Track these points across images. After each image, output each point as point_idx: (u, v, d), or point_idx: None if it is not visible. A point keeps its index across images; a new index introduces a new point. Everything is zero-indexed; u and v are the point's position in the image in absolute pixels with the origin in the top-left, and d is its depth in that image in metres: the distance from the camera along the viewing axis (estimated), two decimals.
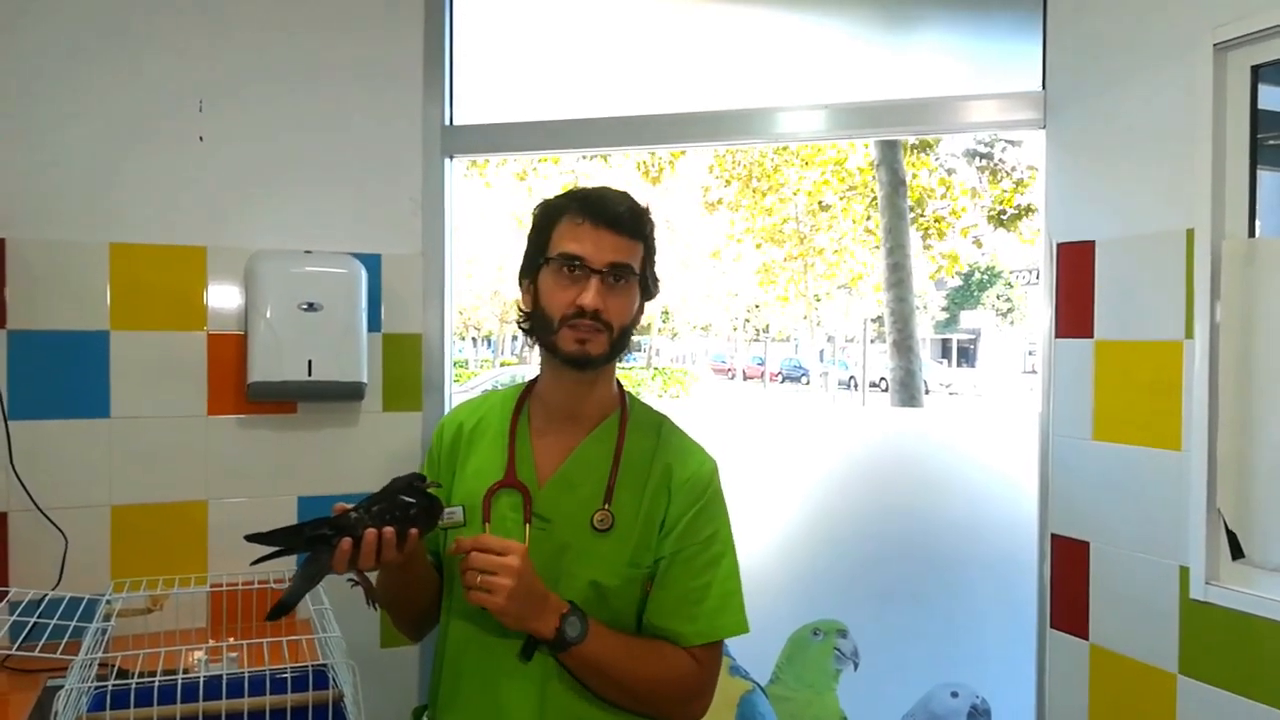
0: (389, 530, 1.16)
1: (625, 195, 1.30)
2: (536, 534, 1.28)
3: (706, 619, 1.28)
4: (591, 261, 1.24)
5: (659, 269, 1.36)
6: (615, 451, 1.32)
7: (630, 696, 1.26)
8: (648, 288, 1.33)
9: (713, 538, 1.31)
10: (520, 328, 1.35)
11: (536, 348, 1.34)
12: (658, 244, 1.36)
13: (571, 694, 1.26)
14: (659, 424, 1.38)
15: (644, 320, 1.40)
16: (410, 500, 1.20)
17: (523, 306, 1.35)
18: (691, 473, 1.32)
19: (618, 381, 1.39)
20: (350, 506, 1.20)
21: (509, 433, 1.35)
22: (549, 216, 1.30)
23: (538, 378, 1.39)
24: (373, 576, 1.27)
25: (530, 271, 1.32)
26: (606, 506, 1.28)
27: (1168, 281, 1.69)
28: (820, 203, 8.99)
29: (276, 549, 1.17)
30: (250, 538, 1.16)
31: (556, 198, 1.32)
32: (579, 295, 1.24)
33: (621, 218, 1.26)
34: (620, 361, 1.37)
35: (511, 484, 1.31)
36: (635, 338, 1.37)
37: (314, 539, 1.17)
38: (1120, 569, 1.78)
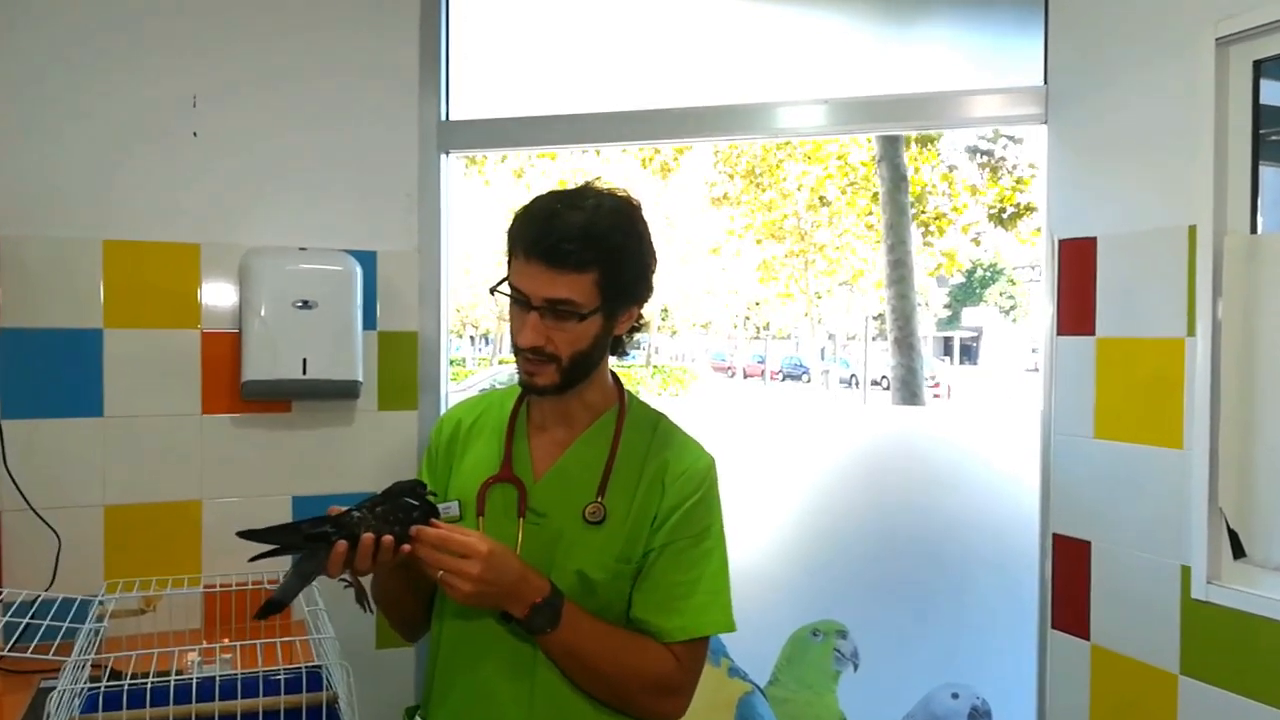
0: (387, 537, 1.15)
1: (579, 211, 1.21)
2: (530, 528, 1.27)
3: (691, 614, 1.26)
4: (530, 298, 1.21)
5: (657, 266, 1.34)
6: (611, 446, 1.31)
7: (602, 686, 1.25)
8: (615, 310, 1.25)
9: (704, 533, 1.29)
10: None
11: None
12: (658, 241, 1.33)
13: (561, 692, 1.25)
14: (656, 421, 1.37)
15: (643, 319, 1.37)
16: (414, 504, 1.19)
17: None
18: (687, 467, 1.31)
19: (614, 377, 1.37)
20: (347, 508, 1.18)
21: (507, 429, 1.35)
22: (509, 238, 1.26)
23: None
24: (366, 580, 1.26)
25: None
26: (599, 499, 1.27)
27: (1169, 278, 1.68)
28: (821, 197, 8.98)
29: (274, 546, 1.15)
30: (243, 534, 1.14)
31: (517, 216, 1.26)
32: (520, 329, 1.22)
33: (557, 250, 1.18)
34: (622, 357, 1.36)
35: (507, 478, 1.31)
36: (636, 335, 1.35)
37: (313, 536, 1.15)
38: (1121, 568, 1.77)
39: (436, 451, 1.41)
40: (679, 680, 1.27)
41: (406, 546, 1.16)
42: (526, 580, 1.18)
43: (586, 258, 1.19)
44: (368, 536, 1.14)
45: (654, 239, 1.32)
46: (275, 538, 1.15)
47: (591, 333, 1.24)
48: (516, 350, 1.25)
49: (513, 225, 1.25)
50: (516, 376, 1.31)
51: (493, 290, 1.26)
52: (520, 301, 1.22)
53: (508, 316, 1.27)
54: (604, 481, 1.29)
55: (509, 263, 1.26)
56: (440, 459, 1.40)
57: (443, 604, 1.34)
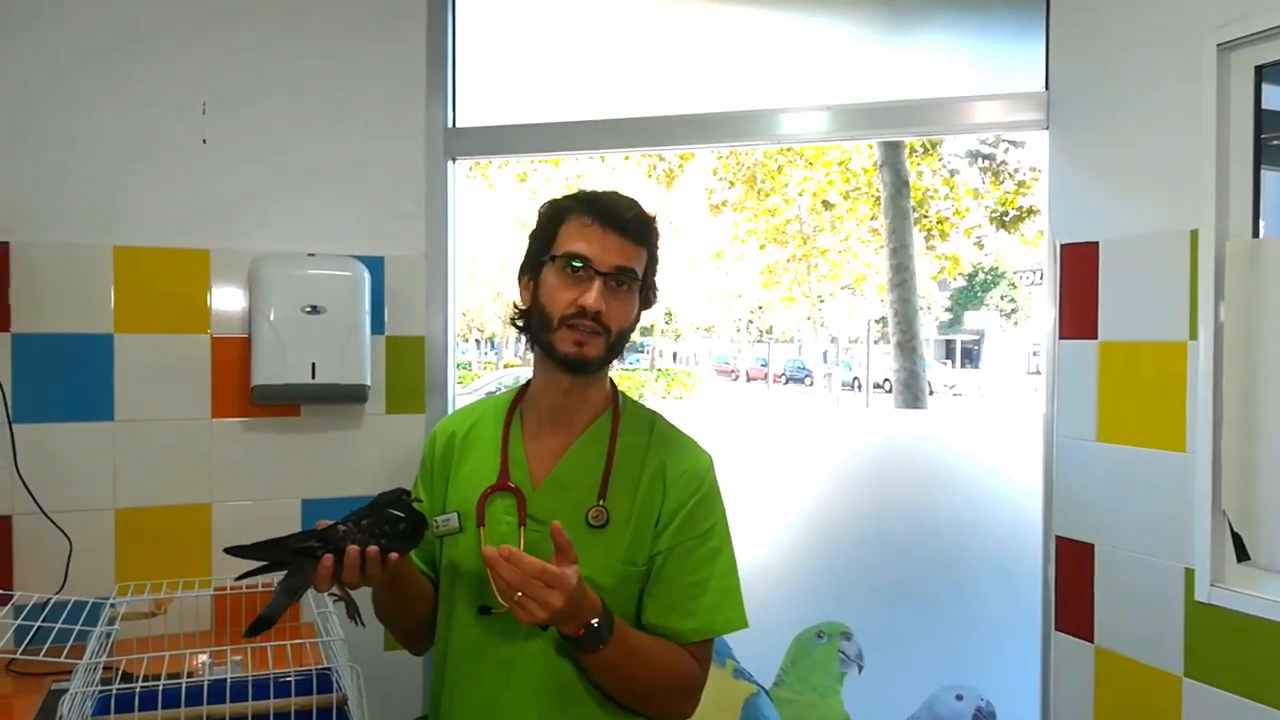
0: (372, 549, 1.15)
1: (634, 201, 1.30)
2: (533, 535, 1.27)
3: (705, 614, 1.27)
4: (597, 263, 1.24)
5: (661, 273, 1.36)
6: (608, 449, 1.31)
7: (631, 693, 1.26)
8: (647, 296, 1.33)
9: (710, 532, 1.30)
10: (513, 324, 1.35)
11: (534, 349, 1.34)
12: (661, 246, 1.35)
13: (569, 702, 1.26)
14: (652, 421, 1.37)
15: (645, 322, 1.41)
16: (399, 514, 1.20)
17: (519, 304, 1.35)
18: (687, 467, 1.31)
19: (610, 381, 1.38)
20: (333, 522, 1.19)
21: (502, 437, 1.35)
22: (556, 215, 1.30)
23: (530, 381, 1.38)
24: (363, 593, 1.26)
25: (532, 268, 1.32)
26: (601, 503, 1.28)
27: (1172, 282, 1.69)
28: (824, 202, 8.99)
29: (262, 564, 1.16)
30: (231, 550, 1.15)
31: (565, 197, 1.32)
32: (581, 295, 1.23)
33: (629, 223, 1.26)
34: (621, 360, 1.37)
35: (505, 487, 1.31)
36: (638, 338, 1.37)
37: (299, 552, 1.16)
38: (1125, 571, 1.78)
39: (431, 465, 1.41)
40: (699, 680, 1.29)
41: (394, 556, 1.17)
42: (586, 599, 1.17)
43: (645, 234, 1.29)
44: (353, 549, 1.14)
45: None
46: (262, 554, 1.16)
47: (634, 311, 1.30)
48: (562, 320, 1.25)
49: (570, 201, 1.30)
50: (520, 380, 1.32)
51: (551, 258, 1.27)
52: (583, 268, 1.24)
53: (546, 291, 1.28)
54: (604, 484, 1.29)
55: (554, 237, 1.28)
56: (436, 472, 1.40)
57: (448, 619, 1.34)
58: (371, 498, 1.22)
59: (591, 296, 1.23)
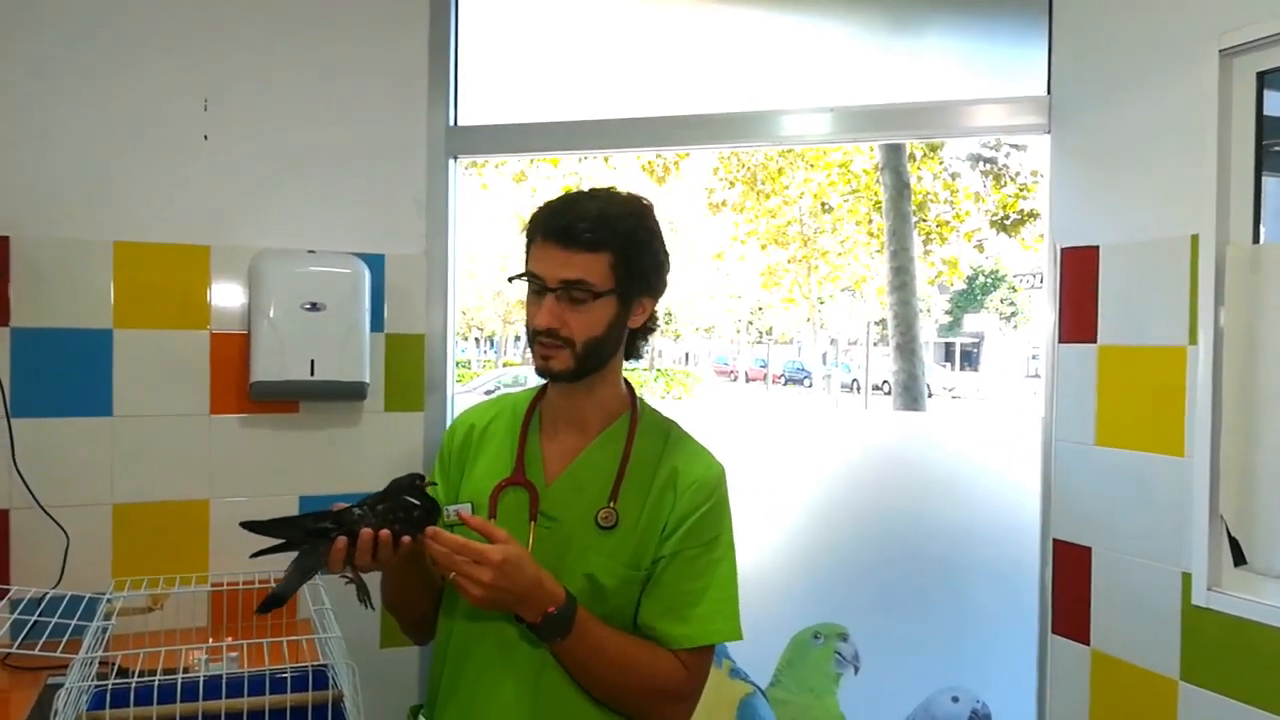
0: (385, 532, 1.16)
1: (595, 200, 1.26)
2: (542, 531, 1.28)
3: (699, 623, 1.27)
4: (545, 280, 1.24)
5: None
6: (623, 453, 1.32)
7: (611, 693, 1.27)
8: (629, 296, 1.28)
9: (714, 542, 1.30)
10: None
11: None
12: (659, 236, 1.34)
13: (565, 692, 1.26)
14: (668, 428, 1.38)
15: (656, 318, 1.38)
16: (414, 501, 1.20)
17: None
18: (698, 475, 1.32)
19: (627, 384, 1.38)
20: (348, 505, 1.19)
21: (519, 433, 1.36)
22: (530, 228, 1.30)
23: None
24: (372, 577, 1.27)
25: None
26: (612, 504, 1.28)
27: (1172, 287, 1.69)
28: (824, 204, 8.99)
29: (277, 542, 1.17)
30: (246, 525, 1.16)
31: (538, 207, 1.31)
32: (536, 313, 1.25)
33: (571, 231, 1.22)
34: (636, 359, 1.37)
35: (519, 482, 1.32)
36: (649, 335, 1.36)
37: (314, 532, 1.17)
38: (1122, 574, 1.78)
39: (449, 455, 1.42)
40: (686, 688, 1.28)
41: (406, 538, 1.18)
42: (541, 587, 1.18)
43: (600, 238, 1.23)
44: (366, 532, 1.15)
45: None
46: (278, 531, 1.16)
47: (605, 318, 1.26)
48: (532, 337, 1.26)
49: (536, 213, 1.29)
50: (519, 378, 1.32)
51: (512, 279, 1.29)
52: (536, 285, 1.25)
53: (525, 306, 1.30)
54: (616, 487, 1.30)
55: (527, 253, 1.29)
56: (453, 463, 1.41)
57: (452, 604, 1.34)
58: (369, 494, 1.23)
59: (540, 317, 1.24)
